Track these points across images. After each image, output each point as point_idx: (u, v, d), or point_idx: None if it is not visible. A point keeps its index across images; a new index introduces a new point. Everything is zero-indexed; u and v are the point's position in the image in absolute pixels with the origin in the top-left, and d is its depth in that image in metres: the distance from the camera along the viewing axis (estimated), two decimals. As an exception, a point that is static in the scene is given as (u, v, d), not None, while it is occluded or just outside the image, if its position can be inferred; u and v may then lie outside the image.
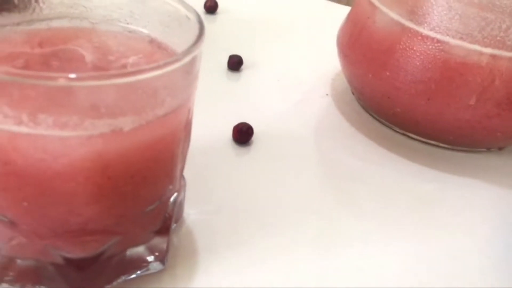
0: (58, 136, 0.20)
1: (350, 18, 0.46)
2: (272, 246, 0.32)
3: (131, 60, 0.27)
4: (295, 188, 0.37)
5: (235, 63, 0.49)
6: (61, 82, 0.19)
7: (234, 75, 0.50)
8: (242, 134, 0.40)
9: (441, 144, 0.43)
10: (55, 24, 0.29)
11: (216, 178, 0.36)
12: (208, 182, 0.36)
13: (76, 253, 0.25)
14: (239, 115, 0.42)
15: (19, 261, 0.25)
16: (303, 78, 0.51)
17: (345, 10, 0.50)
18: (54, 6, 0.29)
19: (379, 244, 0.33)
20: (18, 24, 0.28)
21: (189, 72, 0.23)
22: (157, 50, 0.28)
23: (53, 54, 0.26)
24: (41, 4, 0.28)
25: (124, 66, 0.26)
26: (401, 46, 0.40)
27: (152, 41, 0.29)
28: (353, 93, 0.48)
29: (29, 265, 0.25)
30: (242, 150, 0.40)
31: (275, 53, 0.54)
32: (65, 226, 0.23)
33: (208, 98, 0.40)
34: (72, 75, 0.19)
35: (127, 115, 0.21)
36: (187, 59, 0.22)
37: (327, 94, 0.49)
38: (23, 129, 0.20)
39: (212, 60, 0.49)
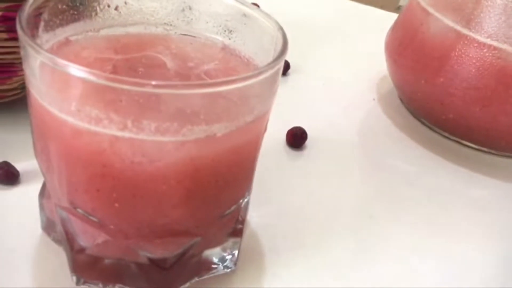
0: (158, 141, 0.21)
1: (399, 24, 0.47)
2: (332, 249, 0.32)
3: (209, 67, 0.28)
4: (350, 192, 0.37)
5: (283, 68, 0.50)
6: (169, 90, 0.20)
7: (281, 79, 0.50)
8: (297, 138, 0.40)
9: (493, 151, 0.43)
10: (132, 30, 0.30)
11: (273, 182, 0.37)
12: (265, 185, 0.36)
13: (157, 253, 0.25)
14: (290, 119, 0.42)
15: (103, 260, 0.26)
16: (348, 82, 0.51)
17: (389, 16, 0.50)
18: (133, 13, 0.29)
19: (433, 249, 0.34)
20: (98, 30, 0.29)
21: (275, 80, 0.24)
22: (231, 56, 0.29)
23: (136, 60, 0.27)
24: (120, 11, 0.29)
25: (204, 73, 0.27)
26: (456, 53, 0.40)
27: (224, 47, 0.30)
28: (400, 98, 0.48)
29: (113, 264, 0.26)
30: (296, 154, 0.40)
31: (319, 57, 0.54)
32: (151, 227, 0.24)
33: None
34: (180, 83, 0.19)
35: (221, 121, 0.22)
36: (275, 68, 0.23)
37: (374, 99, 0.49)
38: (126, 134, 0.21)
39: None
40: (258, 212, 0.34)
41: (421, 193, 0.38)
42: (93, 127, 0.21)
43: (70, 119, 0.21)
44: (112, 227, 0.24)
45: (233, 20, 0.29)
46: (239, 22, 0.29)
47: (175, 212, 0.24)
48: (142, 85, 0.19)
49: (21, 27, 0.22)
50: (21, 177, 0.33)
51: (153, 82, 0.19)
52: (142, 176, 0.22)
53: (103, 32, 0.29)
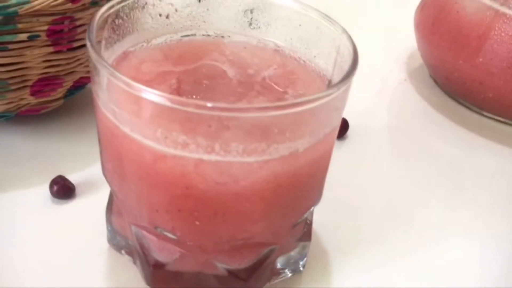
0: (244, 161, 0.21)
1: (430, 2, 0.46)
2: (394, 241, 0.32)
3: (269, 72, 0.27)
4: (399, 180, 0.37)
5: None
6: (260, 113, 0.19)
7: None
8: (340, 128, 0.40)
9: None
10: (184, 37, 0.29)
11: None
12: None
13: (235, 264, 0.26)
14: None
15: (183, 274, 0.26)
16: (377, 62, 0.50)
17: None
18: (183, 20, 0.29)
19: (494, 233, 0.34)
20: (151, 40, 0.28)
21: (348, 90, 0.24)
22: (286, 59, 0.29)
23: (196, 71, 0.26)
24: (170, 19, 0.29)
25: (266, 79, 0.27)
26: (495, 32, 0.40)
27: (277, 50, 0.29)
28: (432, 77, 0.48)
29: (193, 278, 0.26)
30: (339, 144, 0.40)
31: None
32: (231, 242, 0.24)
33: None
34: (272, 105, 0.19)
35: (304, 137, 0.21)
36: (351, 79, 0.23)
37: (405, 80, 0.49)
38: (213, 157, 0.21)
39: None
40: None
41: (470, 176, 0.38)
42: (179, 152, 0.21)
43: (154, 145, 0.21)
44: (190, 243, 0.25)
45: (287, 22, 0.29)
46: (293, 24, 0.29)
47: (255, 227, 0.24)
48: (232, 110, 0.19)
49: (95, 51, 0.22)
50: (77, 190, 0.33)
51: (244, 106, 0.19)
52: (225, 195, 0.22)
53: (155, 42, 0.28)
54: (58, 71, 0.32)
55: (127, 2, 0.26)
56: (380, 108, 0.45)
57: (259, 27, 0.29)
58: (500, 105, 0.42)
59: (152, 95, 0.20)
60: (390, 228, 0.33)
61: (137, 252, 0.27)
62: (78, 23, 0.31)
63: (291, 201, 0.24)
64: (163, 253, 0.25)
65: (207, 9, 0.29)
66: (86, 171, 0.34)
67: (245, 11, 0.29)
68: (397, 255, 0.32)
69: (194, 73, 0.26)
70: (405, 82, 0.49)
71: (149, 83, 0.25)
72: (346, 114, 0.40)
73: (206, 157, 0.21)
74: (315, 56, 0.28)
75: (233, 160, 0.21)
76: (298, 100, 0.20)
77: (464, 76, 0.42)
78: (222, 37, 0.29)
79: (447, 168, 0.39)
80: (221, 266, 0.25)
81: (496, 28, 0.40)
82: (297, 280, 0.29)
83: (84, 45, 0.32)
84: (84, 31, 0.32)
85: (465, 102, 0.45)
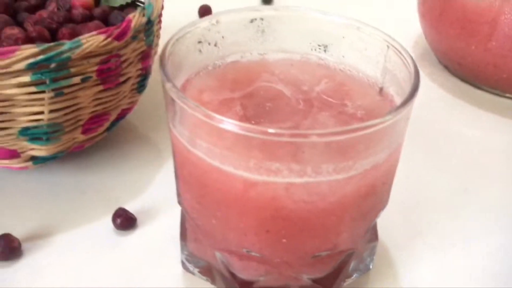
0: (333, 179, 0.22)
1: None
2: (449, 230, 0.34)
3: (322, 86, 0.28)
4: (434, 169, 0.39)
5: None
6: (351, 134, 0.21)
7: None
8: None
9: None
10: (231, 61, 0.30)
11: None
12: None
13: (318, 274, 0.27)
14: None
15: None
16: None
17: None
18: (229, 45, 0.30)
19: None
20: (203, 68, 0.29)
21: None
22: (333, 71, 0.30)
23: (255, 94, 0.27)
24: (219, 46, 0.29)
25: (319, 93, 0.28)
26: (505, 16, 0.41)
27: (320, 63, 0.30)
28: (441, 63, 0.50)
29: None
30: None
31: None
32: (316, 254, 0.26)
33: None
34: (362, 125, 0.21)
35: (384, 150, 0.23)
36: (416, 95, 0.24)
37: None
38: (304, 179, 0.22)
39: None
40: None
41: (496, 157, 0.40)
42: (271, 178, 0.22)
43: (246, 174, 0.22)
44: (277, 260, 0.26)
45: (329, 34, 0.30)
46: (335, 36, 0.30)
47: (339, 237, 0.25)
48: (326, 135, 0.20)
49: (177, 92, 0.23)
50: (138, 220, 0.33)
51: (337, 130, 0.20)
52: (313, 212, 0.23)
53: (207, 70, 0.29)
54: (106, 107, 0.33)
55: (182, 36, 0.27)
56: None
57: (301, 42, 0.31)
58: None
59: (247, 131, 0.21)
60: (438, 218, 0.35)
61: (220, 274, 0.28)
62: (122, 59, 0.31)
63: (369, 208, 0.25)
64: (249, 272, 0.27)
65: (250, 31, 0.30)
66: (140, 198, 0.35)
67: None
68: (449, 244, 0.33)
69: (254, 97, 0.27)
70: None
71: (216, 112, 0.26)
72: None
73: (297, 180, 0.22)
74: (359, 64, 0.29)
75: (323, 179, 0.22)
76: (385, 118, 0.21)
77: (478, 60, 0.44)
78: (265, 56, 0.30)
79: (473, 151, 0.40)
80: (306, 277, 0.27)
81: (506, 12, 0.41)
82: (366, 279, 0.31)
83: (127, 79, 0.33)
84: (127, 66, 0.32)
85: (479, 85, 0.47)
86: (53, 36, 0.33)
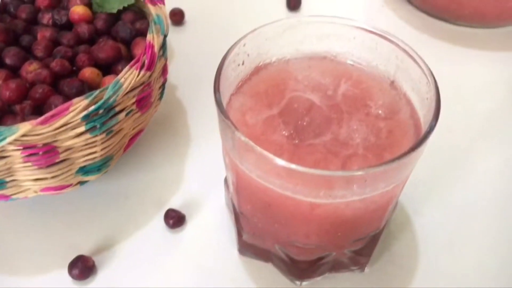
0: (378, 194, 0.27)
1: None
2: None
3: (342, 88, 0.32)
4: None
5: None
6: (401, 160, 0.25)
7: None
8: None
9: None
10: (254, 75, 0.33)
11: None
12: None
13: (357, 247, 0.33)
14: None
15: (317, 264, 0.33)
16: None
17: None
18: (254, 60, 0.32)
19: None
20: (237, 87, 0.32)
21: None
22: (347, 67, 0.33)
23: (291, 109, 0.30)
24: (245, 64, 0.32)
25: (343, 95, 0.31)
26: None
27: (332, 59, 0.34)
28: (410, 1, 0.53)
29: (331, 260, 0.33)
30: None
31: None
32: (361, 237, 0.32)
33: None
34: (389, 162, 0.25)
35: (402, 174, 0.28)
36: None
37: (382, 6, 0.54)
38: (363, 197, 0.27)
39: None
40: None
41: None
42: (337, 200, 0.27)
43: (314, 200, 0.27)
44: (331, 246, 0.31)
45: (340, 36, 0.33)
46: (347, 37, 0.33)
47: (375, 225, 0.31)
48: (380, 165, 0.25)
49: (239, 135, 0.26)
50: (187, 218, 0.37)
51: (389, 164, 0.25)
52: (365, 212, 0.29)
53: (239, 90, 0.32)
54: (142, 125, 0.35)
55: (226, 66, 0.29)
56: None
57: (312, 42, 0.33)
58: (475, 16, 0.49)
59: (315, 172, 0.25)
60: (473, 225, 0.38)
61: (278, 257, 0.33)
62: (152, 82, 0.33)
63: (384, 213, 0.31)
64: (306, 255, 0.32)
65: (266, 39, 0.32)
66: (179, 194, 0.38)
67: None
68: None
69: (291, 112, 0.30)
70: (383, 7, 0.54)
71: (265, 136, 0.29)
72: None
73: (357, 197, 0.27)
74: (371, 61, 0.33)
75: (377, 193, 0.27)
76: (415, 151, 0.26)
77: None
78: (280, 59, 0.33)
79: (456, 88, 0.46)
80: (348, 251, 0.33)
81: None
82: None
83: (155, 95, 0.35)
84: (155, 85, 0.34)
85: (444, 17, 0.51)
86: (71, 62, 0.34)
